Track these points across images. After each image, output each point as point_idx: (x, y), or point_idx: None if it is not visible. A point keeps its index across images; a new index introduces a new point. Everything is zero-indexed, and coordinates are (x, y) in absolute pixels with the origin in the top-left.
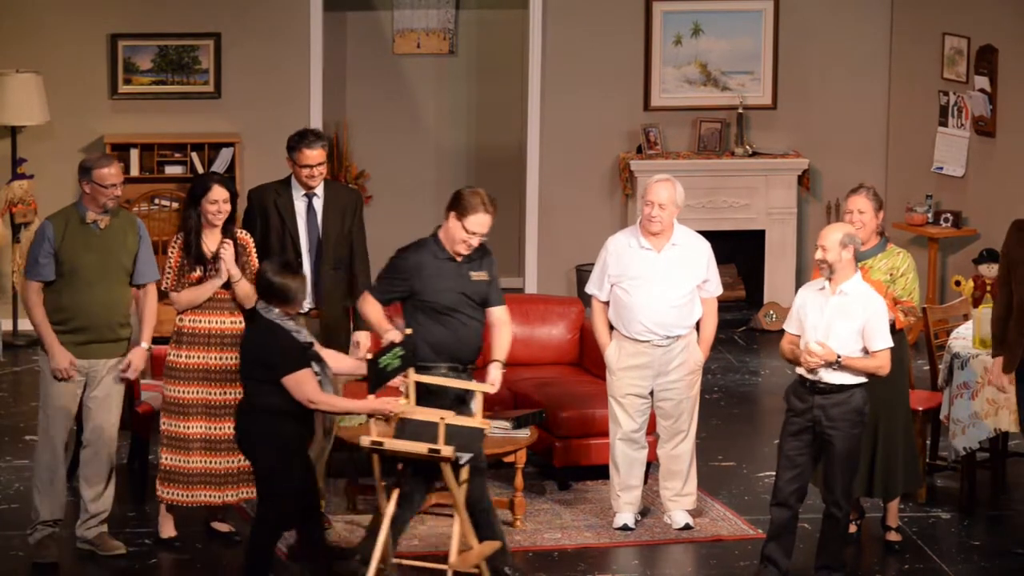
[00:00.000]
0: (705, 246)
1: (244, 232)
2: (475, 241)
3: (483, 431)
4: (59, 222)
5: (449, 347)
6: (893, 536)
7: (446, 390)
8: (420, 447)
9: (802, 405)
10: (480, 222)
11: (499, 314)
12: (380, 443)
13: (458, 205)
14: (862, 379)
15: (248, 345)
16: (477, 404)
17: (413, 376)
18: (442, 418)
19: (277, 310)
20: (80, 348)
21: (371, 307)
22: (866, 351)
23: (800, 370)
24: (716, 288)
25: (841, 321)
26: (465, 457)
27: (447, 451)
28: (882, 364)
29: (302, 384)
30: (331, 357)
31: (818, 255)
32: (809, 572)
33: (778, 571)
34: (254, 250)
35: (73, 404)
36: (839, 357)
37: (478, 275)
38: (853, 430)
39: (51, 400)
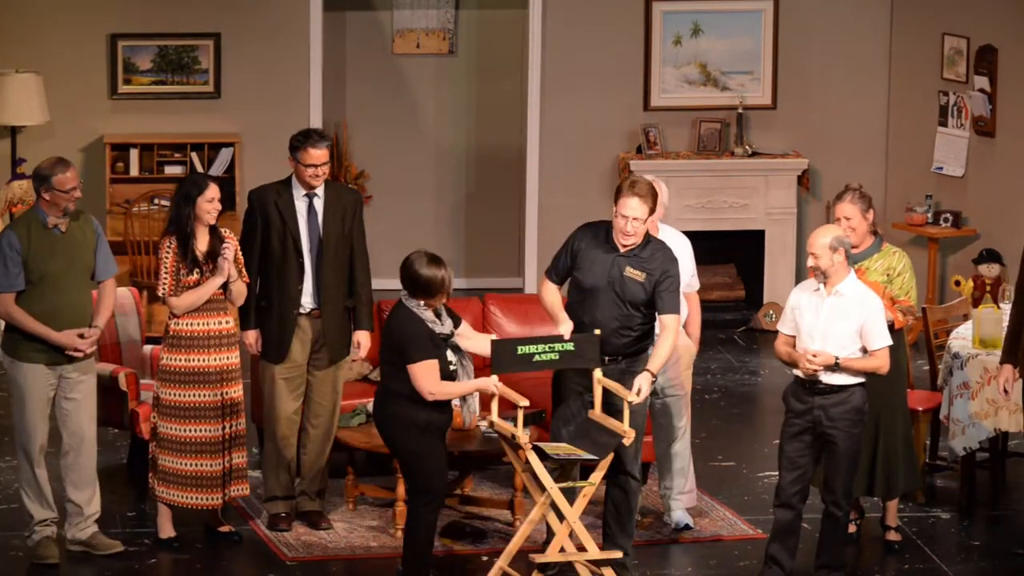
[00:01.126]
0: (687, 243)
1: (227, 230)
2: (629, 228)
3: (620, 438)
4: (21, 229)
5: (577, 321)
6: (893, 536)
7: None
8: (508, 430)
9: (802, 406)
10: (628, 205)
11: (665, 322)
12: (492, 422)
13: (616, 193)
14: (861, 378)
15: (387, 331)
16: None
17: (600, 379)
18: (522, 406)
19: (421, 301)
20: (53, 354)
21: (546, 290)
22: (865, 350)
23: (797, 371)
24: (696, 282)
25: (839, 322)
26: (582, 455)
27: (522, 438)
28: (882, 363)
29: (423, 375)
30: (475, 344)
31: (810, 262)
32: (809, 572)
33: (782, 571)
34: (239, 249)
35: (46, 406)
36: (837, 360)
37: (633, 273)
38: (854, 429)
39: (25, 405)
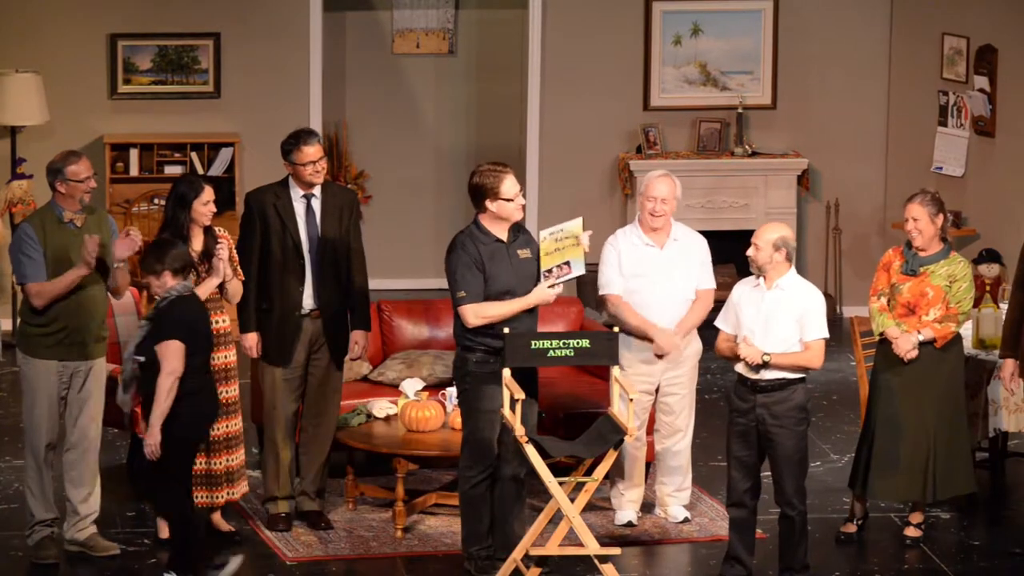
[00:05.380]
0: (702, 241)
1: (222, 229)
2: (522, 201)
3: (623, 433)
4: (36, 223)
5: (509, 326)
6: (912, 532)
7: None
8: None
9: (745, 405)
10: (513, 185)
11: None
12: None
13: (486, 191)
14: (803, 374)
15: None
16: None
17: (616, 376)
18: (517, 399)
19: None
20: (64, 350)
21: (488, 307)
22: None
23: (739, 369)
24: (710, 281)
25: (778, 316)
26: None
27: (519, 430)
28: (814, 356)
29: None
30: None
31: (750, 252)
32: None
33: (744, 569)
34: (234, 247)
35: (56, 404)
36: (764, 356)
37: (524, 253)
38: (798, 427)
39: (35, 401)
